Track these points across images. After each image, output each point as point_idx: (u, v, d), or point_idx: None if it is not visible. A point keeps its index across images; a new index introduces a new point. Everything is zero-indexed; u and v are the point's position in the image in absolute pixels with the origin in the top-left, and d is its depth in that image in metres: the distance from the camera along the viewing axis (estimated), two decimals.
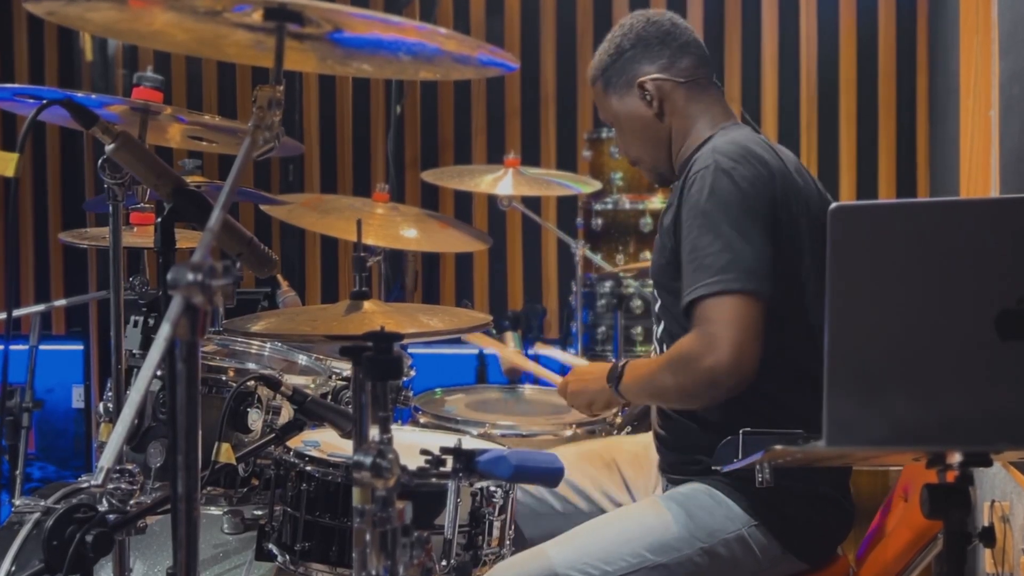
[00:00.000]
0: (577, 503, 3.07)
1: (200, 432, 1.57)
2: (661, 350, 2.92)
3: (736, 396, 2.74)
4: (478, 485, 2.58)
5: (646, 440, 3.12)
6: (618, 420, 3.61)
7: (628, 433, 3.61)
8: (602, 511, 3.05)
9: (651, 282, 4.87)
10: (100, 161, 2.30)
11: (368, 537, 1.80)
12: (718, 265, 2.63)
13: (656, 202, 5.35)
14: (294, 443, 2.69)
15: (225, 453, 2.55)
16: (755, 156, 2.73)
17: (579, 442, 3.38)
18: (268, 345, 3.35)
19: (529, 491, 3.02)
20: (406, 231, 3.91)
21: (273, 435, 2.63)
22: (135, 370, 2.84)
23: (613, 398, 2.96)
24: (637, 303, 4.95)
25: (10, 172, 2.18)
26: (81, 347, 6.48)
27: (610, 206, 5.38)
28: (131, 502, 2.25)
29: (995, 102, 3.79)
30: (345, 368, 3.28)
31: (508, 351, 3.84)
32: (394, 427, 1.87)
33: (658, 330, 2.96)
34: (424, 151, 6.71)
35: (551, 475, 2.37)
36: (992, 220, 1.80)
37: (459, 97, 6.68)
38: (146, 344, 2.88)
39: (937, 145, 5.89)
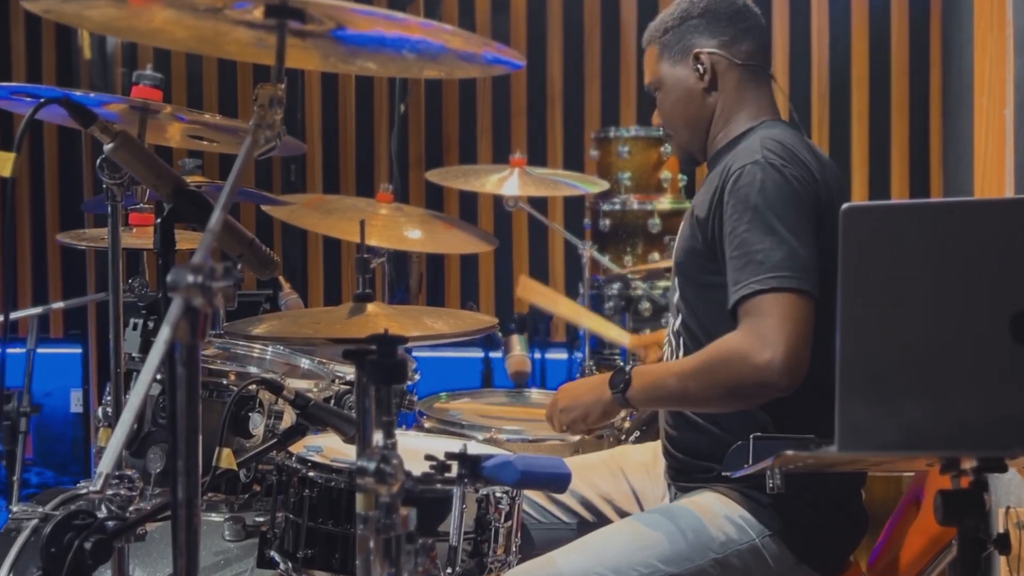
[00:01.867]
0: (584, 515, 3.03)
1: (201, 437, 1.55)
2: (676, 344, 2.88)
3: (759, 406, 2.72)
4: (484, 491, 2.56)
5: (654, 448, 3.08)
6: (626, 424, 3.58)
7: (636, 439, 3.58)
8: (610, 522, 3.00)
9: (660, 283, 4.90)
10: (99, 161, 2.28)
11: (372, 544, 1.78)
12: (771, 262, 2.58)
13: (665, 202, 5.32)
14: (296, 448, 2.66)
15: (226, 458, 2.54)
16: (801, 157, 2.71)
17: (585, 454, 3.34)
18: (270, 348, 3.34)
19: (536, 501, 2.98)
20: (410, 232, 3.88)
21: (275, 440, 2.62)
22: (134, 374, 2.83)
23: (612, 407, 2.83)
24: (646, 305, 4.93)
25: (7, 172, 2.16)
26: (79, 350, 6.45)
27: (618, 206, 5.35)
28: (131, 508, 2.23)
29: (1010, 101, 3.78)
30: (348, 372, 3.26)
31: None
32: (398, 432, 1.85)
33: (674, 323, 2.90)
34: (428, 150, 6.70)
35: (558, 480, 2.35)
36: (1007, 221, 1.80)
37: (464, 96, 6.67)
38: (146, 347, 2.87)
39: (951, 144, 5.86)
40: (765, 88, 2.95)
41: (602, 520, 3.01)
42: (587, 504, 3.04)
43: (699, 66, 2.91)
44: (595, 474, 3.08)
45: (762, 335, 2.55)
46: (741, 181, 2.66)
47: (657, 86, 2.99)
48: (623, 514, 3.03)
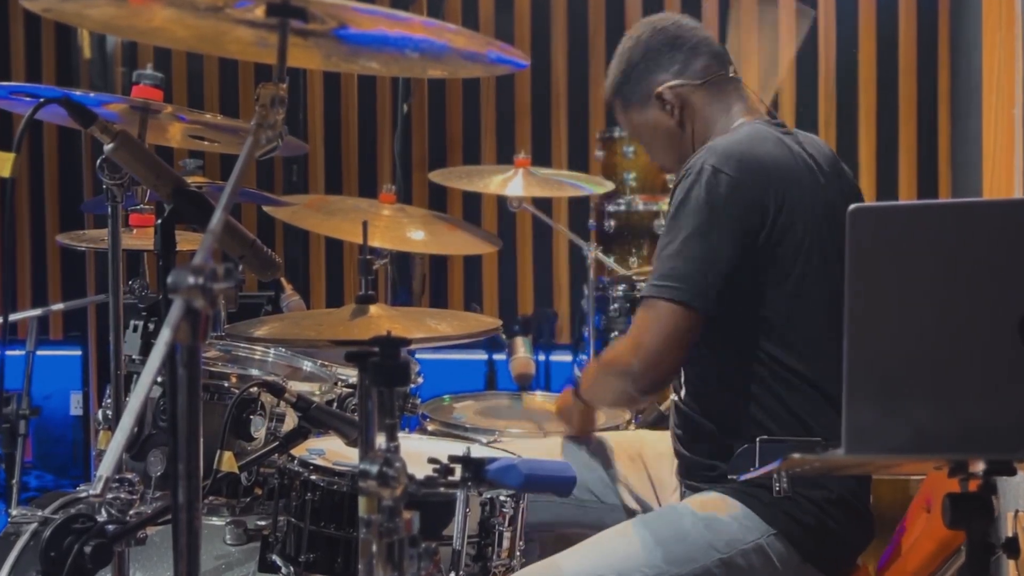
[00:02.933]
0: (601, 494, 3.06)
1: (202, 440, 1.54)
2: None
3: (754, 400, 2.71)
4: (487, 495, 2.54)
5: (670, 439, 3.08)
6: (632, 427, 3.57)
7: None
8: (623, 505, 3.04)
9: None
10: (99, 161, 2.27)
11: (374, 548, 1.77)
12: (664, 270, 2.69)
13: None
14: (298, 451, 2.66)
15: (227, 462, 2.53)
16: (750, 158, 2.71)
17: (604, 433, 3.32)
18: (272, 350, 3.32)
19: None
20: (413, 233, 3.88)
21: (277, 443, 2.62)
22: (135, 376, 2.82)
23: (584, 407, 3.09)
24: None
25: (6, 172, 2.16)
26: (79, 352, 6.42)
27: (623, 207, 5.33)
28: (131, 512, 2.20)
29: (1019, 100, 3.77)
30: (351, 374, 3.24)
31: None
32: (401, 435, 1.83)
33: None
34: (432, 151, 6.68)
35: (562, 484, 2.33)
36: (1016, 222, 1.79)
37: (468, 95, 6.65)
38: (146, 349, 2.87)
39: (959, 144, 5.85)
40: (732, 92, 2.96)
41: (616, 501, 3.06)
42: (605, 484, 3.07)
43: (665, 103, 2.94)
44: (614, 455, 3.12)
45: (633, 341, 2.74)
46: (679, 187, 2.74)
47: (636, 136, 3.07)
48: (637, 499, 3.07)
